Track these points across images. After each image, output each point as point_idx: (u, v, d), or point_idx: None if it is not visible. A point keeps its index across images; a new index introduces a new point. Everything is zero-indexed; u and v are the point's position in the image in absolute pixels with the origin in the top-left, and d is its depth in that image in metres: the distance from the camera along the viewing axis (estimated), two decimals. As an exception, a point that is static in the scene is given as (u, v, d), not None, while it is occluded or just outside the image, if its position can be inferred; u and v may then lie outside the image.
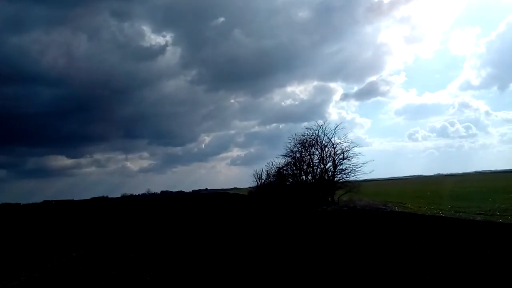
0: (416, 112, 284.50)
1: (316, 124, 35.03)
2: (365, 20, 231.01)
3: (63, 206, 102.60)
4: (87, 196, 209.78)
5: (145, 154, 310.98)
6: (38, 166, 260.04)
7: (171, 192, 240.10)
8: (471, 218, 18.12)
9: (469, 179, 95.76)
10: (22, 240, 20.52)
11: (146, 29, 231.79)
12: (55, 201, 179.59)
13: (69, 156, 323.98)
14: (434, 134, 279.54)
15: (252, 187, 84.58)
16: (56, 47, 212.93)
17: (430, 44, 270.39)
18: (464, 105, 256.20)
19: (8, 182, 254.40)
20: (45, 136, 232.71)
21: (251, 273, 9.16)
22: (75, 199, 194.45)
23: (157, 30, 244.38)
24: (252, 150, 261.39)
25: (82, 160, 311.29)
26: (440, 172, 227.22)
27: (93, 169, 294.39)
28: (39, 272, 11.06)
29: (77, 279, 9.85)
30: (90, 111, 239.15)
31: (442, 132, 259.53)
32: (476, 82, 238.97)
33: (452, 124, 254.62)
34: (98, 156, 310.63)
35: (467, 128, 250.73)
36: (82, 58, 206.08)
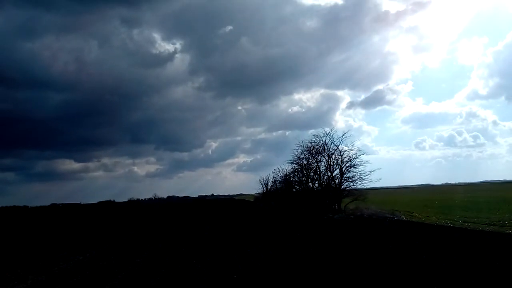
0: (423, 121, 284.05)
1: (324, 132, 34.95)
2: (372, 30, 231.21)
3: (70, 210, 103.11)
4: (94, 200, 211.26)
5: (152, 159, 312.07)
6: (46, 170, 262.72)
7: (177, 197, 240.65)
8: (480, 228, 17.89)
9: (477, 188, 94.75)
10: (29, 243, 20.64)
11: (157, 36, 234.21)
12: (63, 204, 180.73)
13: (77, 160, 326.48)
14: (442, 143, 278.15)
15: (258, 194, 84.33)
16: (67, 53, 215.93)
17: (437, 54, 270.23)
18: (472, 115, 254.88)
19: (17, 185, 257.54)
20: (54, 140, 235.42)
21: (257, 280, 9.11)
22: (82, 202, 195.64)
23: (167, 38, 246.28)
24: (258, 156, 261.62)
25: (90, 164, 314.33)
26: (448, 181, 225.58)
27: (100, 173, 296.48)
28: (46, 275, 11.10)
29: (83, 283, 9.87)
30: (98, 116, 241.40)
31: (450, 141, 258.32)
32: (483, 92, 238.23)
33: (459, 133, 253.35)
34: (105, 160, 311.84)
35: (475, 137, 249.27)
36: (92, 64, 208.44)
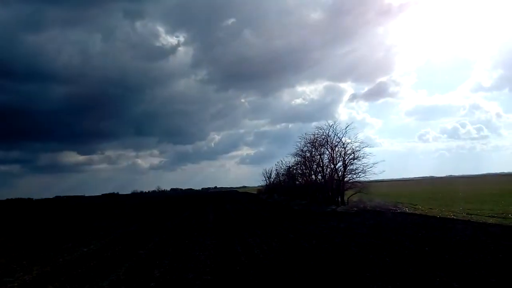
0: (427, 113, 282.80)
1: (327, 124, 34.87)
2: (376, 22, 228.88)
3: (74, 202, 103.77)
4: (98, 192, 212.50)
5: (156, 151, 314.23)
6: (50, 162, 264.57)
7: (181, 189, 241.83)
8: (483, 220, 17.88)
9: (481, 181, 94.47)
10: (34, 235, 20.83)
11: (160, 29, 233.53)
12: (67, 196, 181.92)
13: (81, 152, 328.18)
14: (445, 135, 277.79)
15: (262, 186, 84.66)
16: (71, 46, 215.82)
17: (441, 46, 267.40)
18: (475, 107, 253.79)
19: (21, 177, 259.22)
20: (58, 132, 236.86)
21: (260, 272, 9.16)
22: (86, 195, 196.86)
23: (171, 31, 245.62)
24: (261, 149, 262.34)
25: (94, 157, 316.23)
26: (452, 174, 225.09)
27: (104, 165, 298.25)
28: (51, 266, 11.21)
29: (87, 273, 9.96)
30: (102, 109, 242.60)
31: (453, 134, 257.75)
32: (487, 83, 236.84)
33: (463, 125, 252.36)
34: (109, 153, 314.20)
35: (479, 129, 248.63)
36: (96, 57, 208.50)
